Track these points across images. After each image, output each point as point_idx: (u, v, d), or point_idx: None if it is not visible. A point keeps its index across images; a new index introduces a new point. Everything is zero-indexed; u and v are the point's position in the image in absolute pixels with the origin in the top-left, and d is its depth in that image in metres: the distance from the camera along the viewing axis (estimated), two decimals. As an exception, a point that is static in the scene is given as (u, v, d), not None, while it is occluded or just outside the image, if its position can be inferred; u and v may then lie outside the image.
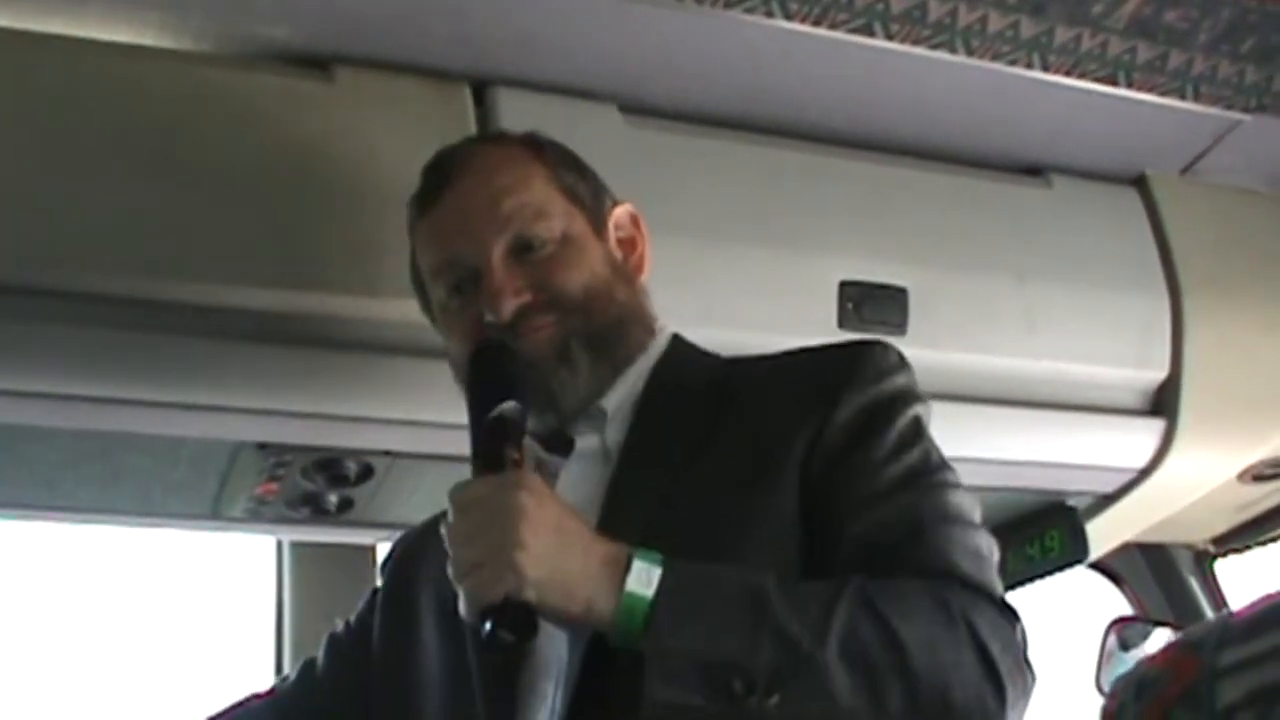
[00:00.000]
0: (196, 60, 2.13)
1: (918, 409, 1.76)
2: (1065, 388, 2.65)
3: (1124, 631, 3.18)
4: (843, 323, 2.39)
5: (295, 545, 2.90)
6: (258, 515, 2.51)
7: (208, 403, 2.15)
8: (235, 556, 3.06)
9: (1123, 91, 2.45)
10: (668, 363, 1.84)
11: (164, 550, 2.95)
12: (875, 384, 1.74)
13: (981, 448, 2.61)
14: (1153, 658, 1.18)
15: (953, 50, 2.29)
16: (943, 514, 1.66)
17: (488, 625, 1.47)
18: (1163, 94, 2.46)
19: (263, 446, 2.28)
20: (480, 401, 1.69)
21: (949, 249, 2.54)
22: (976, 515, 1.70)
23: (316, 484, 2.40)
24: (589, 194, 1.88)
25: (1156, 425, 2.74)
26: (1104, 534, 2.95)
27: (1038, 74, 2.36)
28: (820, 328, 2.35)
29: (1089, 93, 2.43)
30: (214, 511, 2.49)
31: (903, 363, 1.80)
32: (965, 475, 2.67)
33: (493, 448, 1.63)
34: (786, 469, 1.68)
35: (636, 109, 2.35)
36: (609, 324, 1.80)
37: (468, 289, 1.80)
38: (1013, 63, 2.34)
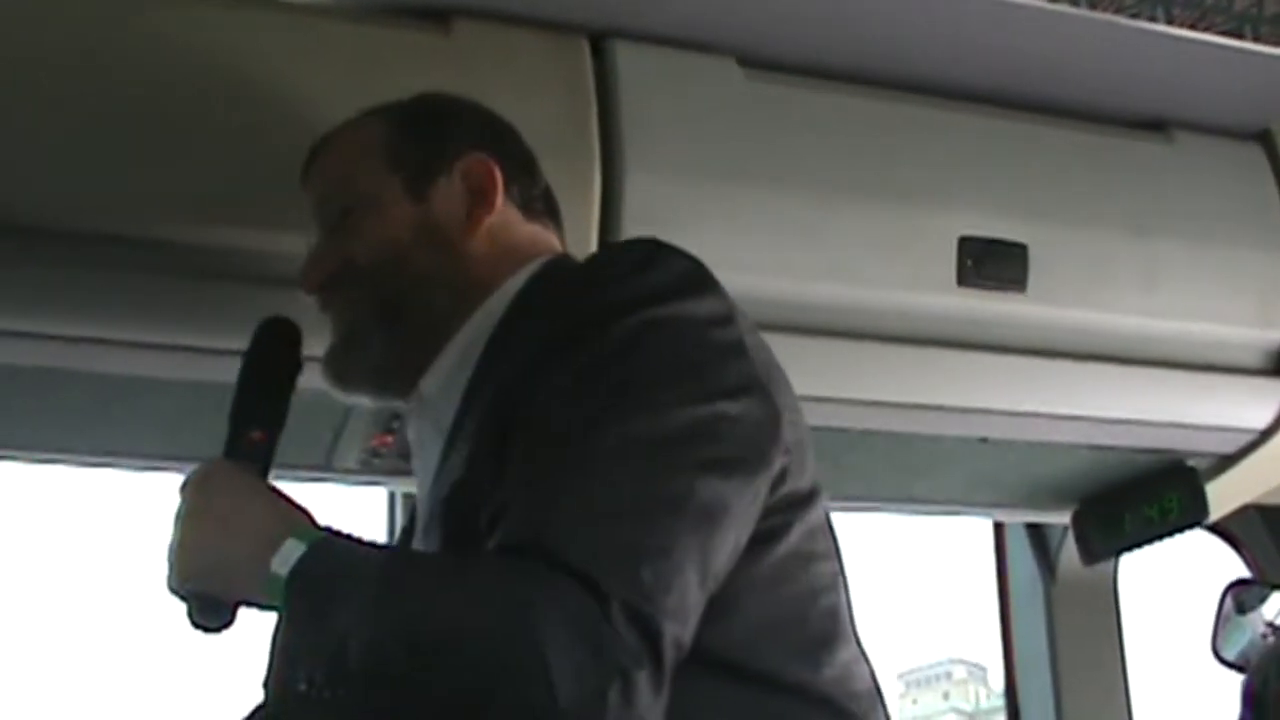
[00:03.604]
0: (311, 13, 2.12)
1: (641, 316, 1.50)
2: (1186, 346, 2.61)
3: (1241, 595, 3.14)
4: (962, 279, 2.37)
5: (408, 498, 2.91)
6: (371, 467, 2.51)
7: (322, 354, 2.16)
8: (348, 509, 3.07)
9: (1248, 45, 2.40)
10: (512, 314, 1.70)
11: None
12: (580, 301, 1.56)
13: (1101, 407, 2.59)
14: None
15: (1075, 3, 2.25)
16: (573, 470, 1.43)
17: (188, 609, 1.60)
18: (1290, 47, 2.42)
19: (378, 399, 2.29)
20: (248, 374, 1.80)
21: (1069, 205, 2.50)
22: (687, 453, 1.44)
23: (429, 435, 2.40)
24: (415, 154, 1.80)
25: (1278, 386, 2.70)
26: (1223, 496, 2.90)
27: (1161, 27, 2.32)
28: (940, 284, 2.33)
29: (1213, 46, 2.38)
30: (327, 463, 2.50)
31: (648, 261, 1.57)
32: (1084, 435, 2.69)
33: (234, 430, 1.74)
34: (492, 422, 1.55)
35: (756, 62, 2.31)
36: (402, 291, 1.74)
37: None
38: (1135, 15, 2.30)
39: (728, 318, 1.56)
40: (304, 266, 1.82)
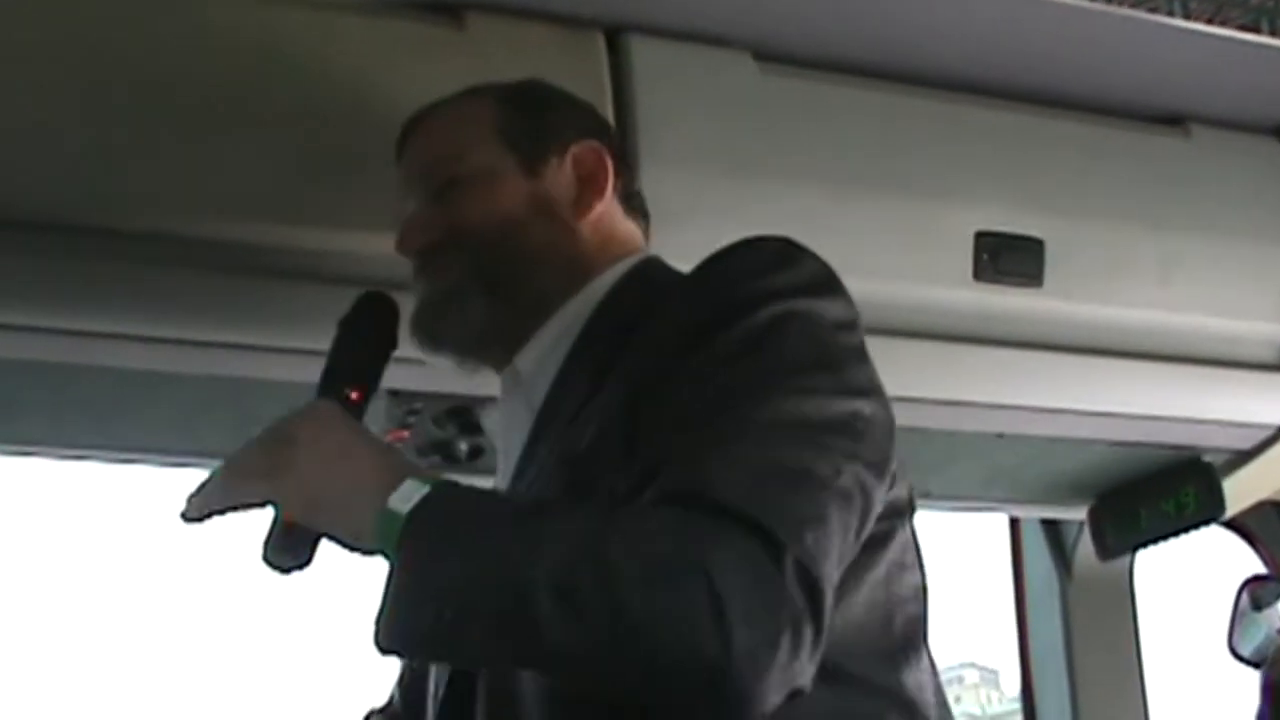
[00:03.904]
0: (324, 7, 2.12)
1: (783, 321, 1.51)
2: (1204, 341, 2.61)
3: (1258, 591, 3.14)
4: (978, 274, 2.36)
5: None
6: (386, 463, 2.51)
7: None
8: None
9: (1266, 39, 2.40)
10: (613, 297, 1.74)
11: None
12: (719, 290, 1.56)
13: (1117, 402, 2.59)
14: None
15: (1092, -3, 2.26)
16: (732, 429, 1.43)
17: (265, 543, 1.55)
18: (1308, 42, 2.42)
19: (394, 394, 2.28)
20: (350, 336, 1.77)
21: (1086, 200, 2.49)
22: (826, 432, 1.46)
23: (447, 431, 2.40)
24: (529, 133, 1.83)
25: (1296, 381, 2.69)
26: (1240, 491, 2.90)
27: (1179, 21, 2.33)
28: (956, 279, 2.33)
29: (1230, 40, 2.39)
30: (343, 459, 2.50)
31: (784, 257, 1.58)
32: (1100, 430, 2.68)
33: (328, 385, 1.70)
34: (629, 401, 1.55)
35: (771, 56, 2.31)
36: (512, 262, 1.76)
37: None
38: (1153, 10, 2.31)
39: (854, 322, 1.58)
40: (403, 228, 1.83)
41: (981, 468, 2.85)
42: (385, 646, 1.41)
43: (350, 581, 3.09)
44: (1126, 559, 3.34)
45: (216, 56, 2.02)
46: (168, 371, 2.17)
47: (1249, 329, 2.64)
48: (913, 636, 1.61)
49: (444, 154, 1.83)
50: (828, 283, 1.58)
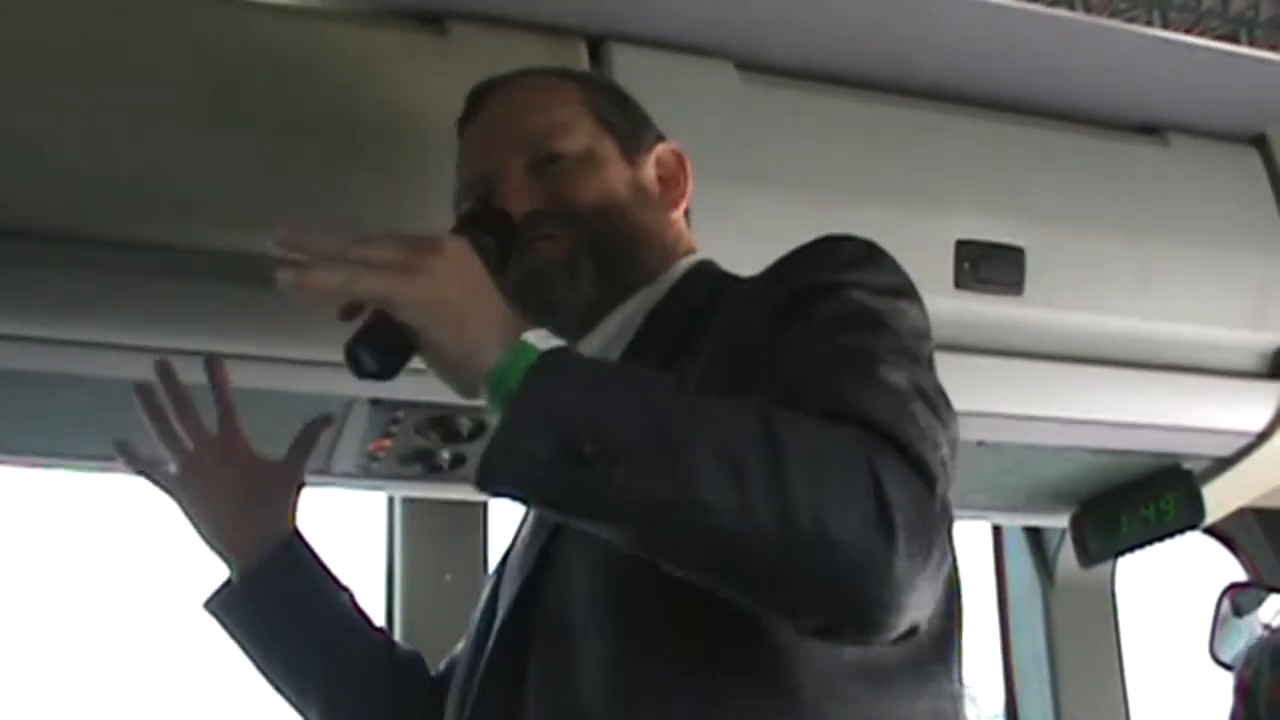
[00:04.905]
0: (310, 15, 2.13)
1: (875, 300, 1.54)
2: (1183, 349, 2.62)
3: (1238, 597, 3.15)
4: (959, 282, 2.37)
5: (407, 502, 2.91)
6: (369, 471, 2.51)
7: (321, 358, 2.16)
8: (345, 513, 3.08)
9: (1244, 49, 2.41)
10: (677, 290, 1.78)
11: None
12: (813, 275, 1.57)
13: (1097, 409, 2.59)
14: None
15: (1071, 7, 2.26)
16: (874, 380, 1.43)
17: (355, 342, 1.45)
18: (1286, 52, 2.43)
19: (376, 403, 2.29)
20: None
21: (1066, 208, 2.50)
22: (940, 411, 1.47)
23: (430, 440, 2.41)
24: (625, 123, 1.88)
25: (1275, 388, 2.70)
26: (1220, 498, 2.90)
27: (1157, 31, 2.33)
28: (936, 287, 2.32)
29: (1209, 50, 2.39)
30: (325, 467, 2.50)
31: (865, 257, 1.61)
32: (1080, 437, 2.69)
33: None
34: (720, 373, 1.55)
35: (752, 66, 2.33)
36: (619, 241, 1.77)
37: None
38: (1132, 20, 2.31)
39: (929, 333, 1.59)
40: (501, 192, 1.79)
41: (963, 476, 2.82)
42: (490, 479, 1.35)
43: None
44: (1108, 566, 3.36)
45: (201, 65, 2.02)
46: (149, 380, 2.16)
47: (1228, 336, 2.65)
48: (959, 639, 1.62)
49: (547, 128, 1.82)
50: (913, 288, 1.61)
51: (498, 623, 1.66)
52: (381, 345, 1.45)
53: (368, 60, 2.11)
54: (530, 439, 1.33)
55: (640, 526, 1.35)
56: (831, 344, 1.48)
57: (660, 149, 1.89)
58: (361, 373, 1.46)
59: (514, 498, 1.39)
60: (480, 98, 1.90)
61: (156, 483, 2.07)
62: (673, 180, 1.88)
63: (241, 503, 2.05)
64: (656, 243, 1.81)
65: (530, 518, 1.79)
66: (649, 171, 1.86)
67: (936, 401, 1.46)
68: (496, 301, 1.45)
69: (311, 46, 2.08)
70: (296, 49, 2.08)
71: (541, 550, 1.61)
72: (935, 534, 1.35)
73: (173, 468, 2.06)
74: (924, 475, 1.37)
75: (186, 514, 2.06)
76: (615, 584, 1.51)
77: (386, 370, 1.46)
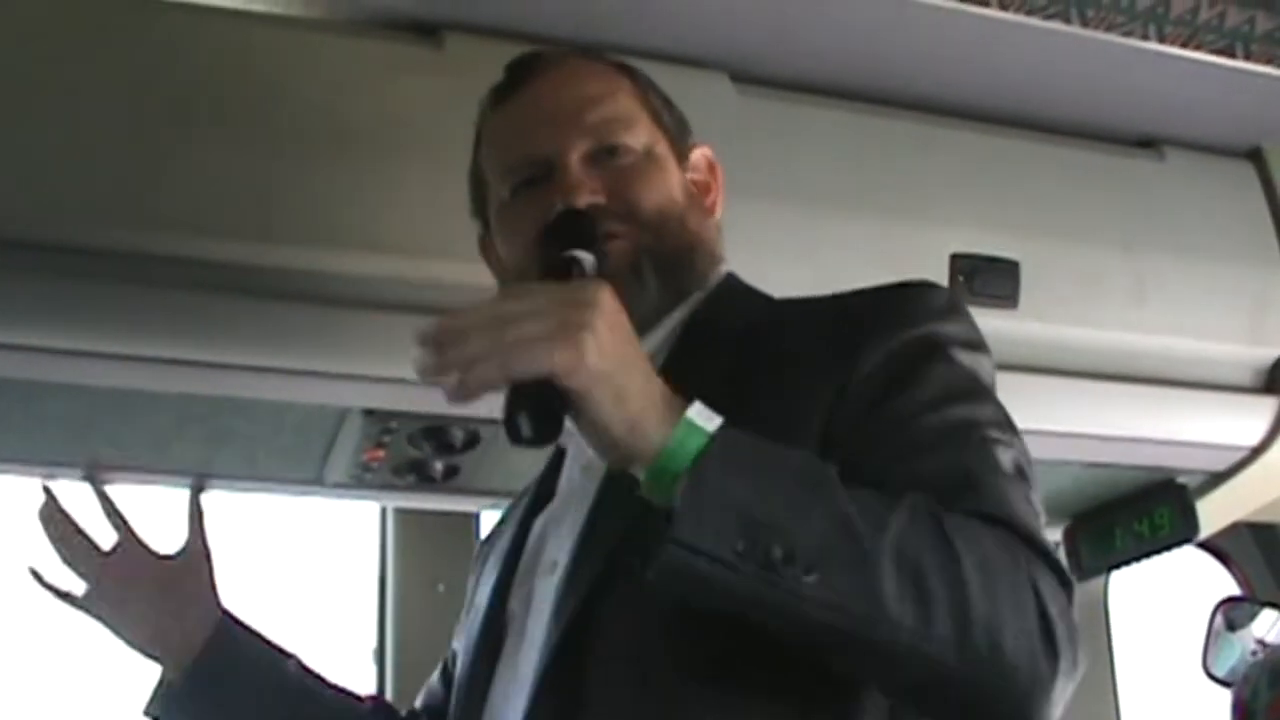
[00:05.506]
0: (305, 27, 2.14)
1: (968, 359, 1.55)
2: (1177, 364, 2.62)
3: (1231, 612, 3.14)
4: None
5: (399, 512, 2.91)
6: (362, 482, 2.51)
7: (315, 368, 2.16)
8: (338, 523, 3.07)
9: (1240, 63, 2.40)
10: (714, 302, 1.72)
11: (267, 516, 2.97)
12: (909, 328, 1.54)
13: (1091, 423, 2.59)
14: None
15: (1067, 20, 2.25)
16: (998, 468, 1.45)
17: (514, 408, 1.33)
18: (1282, 66, 2.42)
19: (369, 413, 2.29)
20: (552, 251, 1.62)
21: (1062, 222, 2.51)
22: (1036, 487, 1.51)
23: (423, 451, 2.41)
24: (673, 123, 1.82)
25: (1269, 403, 2.70)
26: (1214, 513, 2.90)
27: (1154, 45, 2.33)
28: (931, 300, 2.33)
29: (1205, 64, 2.39)
30: (318, 477, 2.50)
31: (953, 307, 1.60)
32: (1075, 451, 2.69)
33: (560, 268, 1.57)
34: (803, 429, 1.49)
35: (749, 78, 2.33)
36: (680, 248, 1.71)
37: (538, 185, 1.71)
38: (1128, 34, 2.30)
39: (994, 384, 1.60)
40: (567, 184, 1.69)
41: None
42: (672, 576, 1.30)
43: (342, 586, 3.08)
44: (1101, 579, 3.35)
45: (196, 75, 2.02)
46: (139, 389, 2.16)
47: (1223, 351, 2.65)
48: None
49: (613, 116, 1.75)
50: (983, 339, 1.61)
51: (549, 638, 1.55)
52: (539, 410, 1.34)
53: (364, 71, 2.11)
54: (712, 538, 1.29)
55: (820, 633, 1.33)
56: (943, 416, 1.48)
57: (696, 153, 1.84)
58: (517, 439, 1.35)
59: (689, 598, 1.34)
60: (525, 72, 1.81)
61: (76, 605, 1.96)
62: (705, 185, 1.83)
63: (161, 605, 1.95)
64: (707, 250, 1.76)
65: (527, 509, 1.80)
66: (692, 175, 1.82)
67: (1029, 474, 1.51)
68: (648, 366, 1.38)
69: (308, 58, 2.09)
70: (293, 60, 2.08)
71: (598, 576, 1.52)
72: (1075, 652, 1.38)
73: (80, 590, 1.96)
74: (1065, 584, 1.40)
75: (111, 629, 1.97)
76: (669, 649, 1.47)
77: (544, 438, 1.35)
